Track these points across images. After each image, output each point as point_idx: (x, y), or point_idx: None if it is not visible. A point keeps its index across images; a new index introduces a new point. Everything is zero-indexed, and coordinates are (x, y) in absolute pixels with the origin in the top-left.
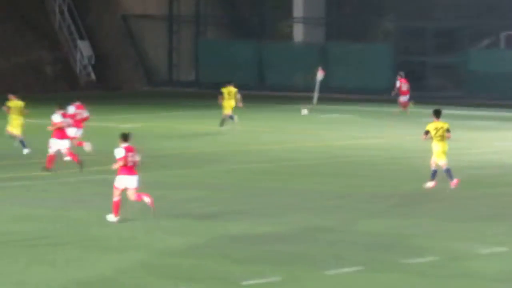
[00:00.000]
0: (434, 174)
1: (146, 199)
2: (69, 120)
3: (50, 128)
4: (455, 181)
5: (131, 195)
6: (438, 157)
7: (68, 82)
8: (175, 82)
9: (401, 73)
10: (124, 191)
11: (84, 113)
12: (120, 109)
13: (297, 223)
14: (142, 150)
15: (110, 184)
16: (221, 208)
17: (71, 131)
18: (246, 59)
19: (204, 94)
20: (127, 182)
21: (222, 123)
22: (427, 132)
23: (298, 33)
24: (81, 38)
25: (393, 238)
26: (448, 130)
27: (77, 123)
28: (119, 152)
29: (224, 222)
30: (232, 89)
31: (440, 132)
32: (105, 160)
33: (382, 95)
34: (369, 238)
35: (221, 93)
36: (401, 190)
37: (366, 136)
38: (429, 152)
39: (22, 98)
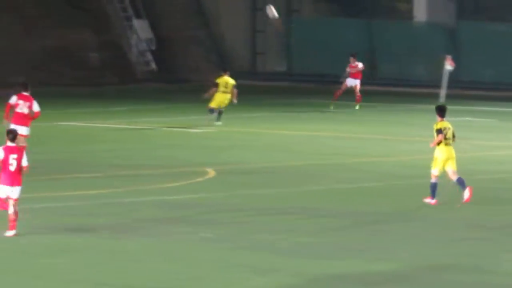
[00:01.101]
0: (434, 189)
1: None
2: None
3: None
4: (467, 192)
5: (10, 207)
6: (447, 165)
7: (120, 72)
8: (259, 74)
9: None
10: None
11: (35, 107)
12: (188, 108)
13: (418, 259)
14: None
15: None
16: (319, 239)
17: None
18: (352, 43)
19: (298, 89)
20: (8, 192)
21: (218, 117)
22: (440, 131)
23: (421, 10)
24: (138, 16)
25: None
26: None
27: (20, 118)
28: (1, 155)
29: (323, 257)
30: (229, 80)
31: (448, 134)
32: (174, 174)
33: None
34: None
35: (215, 85)
36: None
37: (509, 146)
38: None
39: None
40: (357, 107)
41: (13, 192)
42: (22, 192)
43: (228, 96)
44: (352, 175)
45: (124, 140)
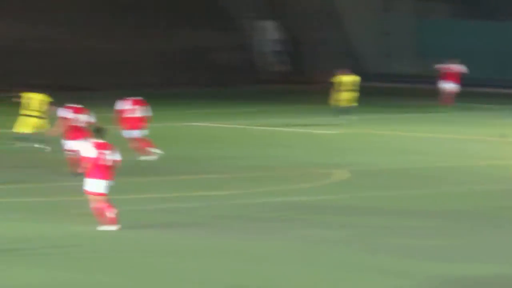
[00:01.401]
0: None
1: (110, 214)
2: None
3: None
4: None
5: (93, 202)
6: None
7: (248, 73)
8: (391, 76)
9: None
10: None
11: (142, 112)
12: (316, 109)
13: None
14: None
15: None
16: (438, 242)
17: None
18: (483, 45)
19: (430, 92)
20: (100, 185)
21: (340, 116)
22: None
23: None
24: (267, 17)
25: None
26: None
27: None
28: (90, 150)
29: (444, 260)
30: (349, 78)
31: None
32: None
33: None
34: None
35: (333, 84)
36: None
37: None
38: None
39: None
40: (444, 108)
41: (100, 185)
42: (142, 192)
43: (350, 94)
44: (471, 178)
45: (252, 141)
